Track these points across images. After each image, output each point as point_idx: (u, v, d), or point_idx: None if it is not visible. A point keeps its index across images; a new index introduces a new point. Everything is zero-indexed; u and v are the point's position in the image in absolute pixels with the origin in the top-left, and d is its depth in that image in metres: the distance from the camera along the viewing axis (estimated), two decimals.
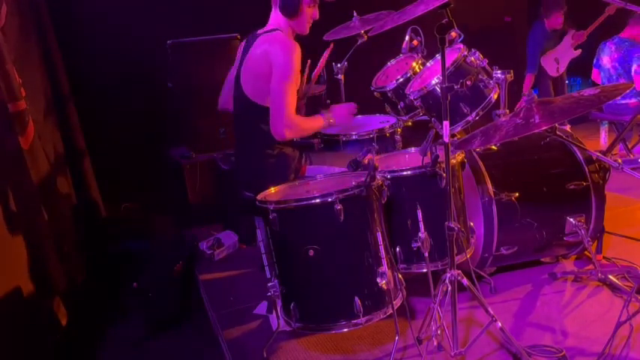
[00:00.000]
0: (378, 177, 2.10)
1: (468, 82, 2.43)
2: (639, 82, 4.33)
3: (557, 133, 1.93)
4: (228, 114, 2.87)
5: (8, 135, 2.54)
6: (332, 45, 3.01)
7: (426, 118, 2.85)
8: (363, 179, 2.02)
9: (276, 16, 2.59)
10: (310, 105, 3.00)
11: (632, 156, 4.57)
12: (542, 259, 2.83)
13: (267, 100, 2.49)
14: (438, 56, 2.71)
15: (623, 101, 4.53)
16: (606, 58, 4.67)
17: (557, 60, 5.37)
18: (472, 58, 2.52)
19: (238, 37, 4.22)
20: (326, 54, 2.94)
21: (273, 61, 2.43)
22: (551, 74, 5.39)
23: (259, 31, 2.62)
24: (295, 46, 2.46)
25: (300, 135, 2.63)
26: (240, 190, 2.69)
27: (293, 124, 2.46)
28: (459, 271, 2.04)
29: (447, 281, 2.03)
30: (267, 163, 2.61)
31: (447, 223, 1.97)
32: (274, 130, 2.47)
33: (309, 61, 2.77)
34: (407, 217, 2.27)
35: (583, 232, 2.50)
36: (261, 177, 2.54)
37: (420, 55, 2.99)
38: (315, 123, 2.65)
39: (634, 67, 4.41)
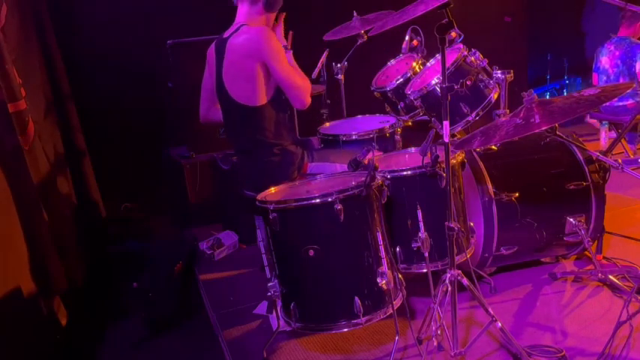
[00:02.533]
0: (378, 177, 2.10)
1: (468, 82, 2.43)
2: None
3: (557, 133, 1.93)
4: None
5: (8, 135, 2.53)
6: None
7: (426, 118, 2.85)
8: (363, 179, 2.02)
9: (245, 12, 2.55)
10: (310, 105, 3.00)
11: (632, 156, 4.57)
12: (542, 259, 2.83)
13: (257, 100, 2.51)
14: (438, 56, 2.71)
15: (621, 103, 4.52)
16: (605, 58, 4.66)
17: None
18: (472, 58, 2.52)
19: None
20: (323, 57, 2.95)
21: (260, 56, 2.43)
22: None
23: (225, 35, 2.59)
24: (262, 30, 2.46)
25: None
26: (242, 188, 2.68)
27: (307, 89, 2.56)
28: (459, 271, 2.04)
29: (447, 281, 2.03)
30: (272, 162, 2.59)
31: (447, 223, 1.98)
32: (299, 105, 2.57)
33: (290, 32, 2.77)
34: (407, 217, 2.27)
35: (583, 232, 2.50)
36: (266, 176, 2.53)
37: (420, 55, 2.99)
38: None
39: (638, 65, 4.39)
